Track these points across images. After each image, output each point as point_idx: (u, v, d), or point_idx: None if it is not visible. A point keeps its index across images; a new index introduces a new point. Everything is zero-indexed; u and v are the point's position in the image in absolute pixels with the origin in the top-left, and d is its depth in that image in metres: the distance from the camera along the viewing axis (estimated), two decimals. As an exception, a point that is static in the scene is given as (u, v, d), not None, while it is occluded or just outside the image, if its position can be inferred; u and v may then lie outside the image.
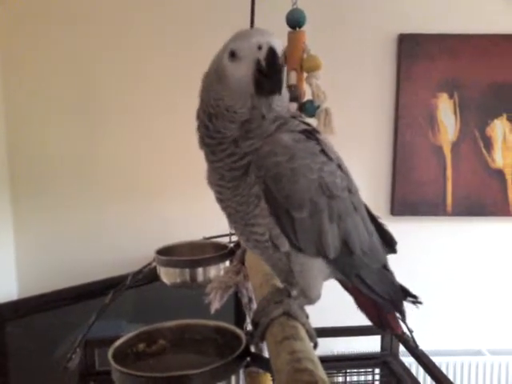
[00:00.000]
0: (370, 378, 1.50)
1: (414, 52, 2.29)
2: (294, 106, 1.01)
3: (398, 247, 0.84)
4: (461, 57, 2.30)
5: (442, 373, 1.23)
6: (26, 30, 2.23)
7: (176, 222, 2.32)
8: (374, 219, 0.82)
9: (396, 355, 1.48)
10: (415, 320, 1.02)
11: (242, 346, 0.85)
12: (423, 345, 1.32)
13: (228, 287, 1.05)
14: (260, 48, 0.64)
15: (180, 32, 2.27)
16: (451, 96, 2.33)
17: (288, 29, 1.09)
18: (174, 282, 1.28)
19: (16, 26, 2.23)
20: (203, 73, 0.73)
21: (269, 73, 0.64)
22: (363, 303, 0.83)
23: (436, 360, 1.32)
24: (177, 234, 1.53)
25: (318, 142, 0.70)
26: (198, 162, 0.78)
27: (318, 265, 0.72)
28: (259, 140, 0.67)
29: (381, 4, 2.31)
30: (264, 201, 0.67)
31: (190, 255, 1.36)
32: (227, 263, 1.29)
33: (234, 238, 1.37)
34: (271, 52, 0.64)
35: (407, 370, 1.41)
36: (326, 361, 1.46)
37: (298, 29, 1.08)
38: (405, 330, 1.15)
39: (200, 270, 1.27)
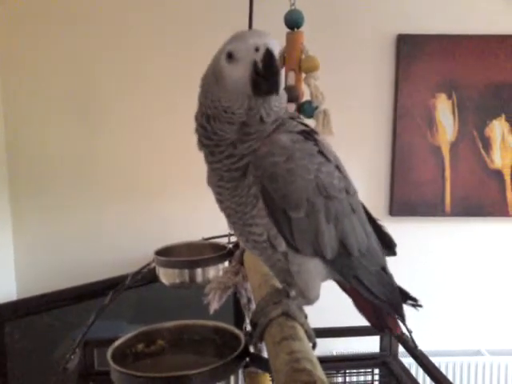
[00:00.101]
0: (369, 378, 1.50)
1: (413, 52, 2.29)
2: (292, 106, 1.02)
3: (397, 247, 0.85)
4: (459, 57, 2.30)
5: (441, 373, 1.23)
6: (25, 30, 2.24)
7: (175, 223, 2.32)
8: (373, 221, 0.82)
9: (395, 356, 1.48)
10: (414, 320, 1.02)
11: (241, 347, 0.85)
12: (422, 345, 1.32)
13: (227, 288, 1.05)
14: (257, 50, 0.64)
15: (180, 32, 2.27)
16: (450, 96, 2.33)
17: (286, 29, 1.09)
18: (173, 283, 1.28)
19: (16, 26, 2.23)
20: (203, 73, 0.73)
21: (266, 74, 0.64)
22: (362, 305, 0.84)
23: (435, 360, 1.33)
24: (176, 235, 1.54)
25: (316, 142, 0.71)
26: (197, 163, 0.78)
27: (315, 265, 0.72)
28: (257, 141, 0.67)
29: (379, 4, 2.31)
30: (262, 201, 0.67)
31: (189, 256, 1.36)
32: (226, 264, 1.29)
33: (233, 239, 1.37)
34: (268, 54, 0.64)
35: (406, 371, 1.41)
36: (326, 361, 1.46)
37: (296, 29, 1.08)
38: (404, 330, 1.15)
39: (199, 271, 1.27)
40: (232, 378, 0.85)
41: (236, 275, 1.07)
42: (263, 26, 0.82)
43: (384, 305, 0.79)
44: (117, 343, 0.90)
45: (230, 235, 1.39)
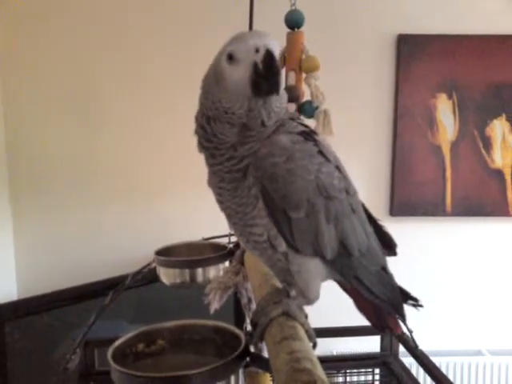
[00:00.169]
0: (369, 378, 1.50)
1: (413, 52, 2.29)
2: (292, 106, 1.02)
3: (397, 247, 0.85)
4: (460, 57, 2.30)
5: (441, 373, 1.23)
6: (25, 30, 2.24)
7: (175, 223, 2.32)
8: (373, 221, 0.82)
9: (396, 355, 1.48)
10: (415, 320, 1.02)
11: (242, 346, 0.85)
12: (423, 345, 1.32)
13: (227, 288, 1.05)
14: (257, 51, 0.64)
15: (180, 32, 2.27)
16: (450, 96, 2.33)
17: (287, 29, 1.09)
18: (174, 283, 1.28)
19: (16, 26, 2.23)
20: (203, 73, 0.73)
21: (266, 75, 0.64)
22: (362, 305, 0.84)
23: (436, 360, 1.32)
24: (176, 235, 1.54)
25: (316, 143, 0.71)
26: (197, 163, 0.78)
27: (315, 265, 0.72)
28: (257, 142, 0.68)
29: (380, 4, 2.31)
30: (262, 201, 0.68)
31: (190, 256, 1.36)
32: (226, 264, 1.29)
33: (234, 239, 1.37)
34: (268, 54, 0.64)
35: (407, 371, 1.41)
36: (326, 361, 1.46)
37: (296, 29, 1.08)
38: (404, 330, 1.15)
39: (199, 271, 1.27)
40: (232, 378, 0.85)
41: (236, 275, 1.08)
42: (263, 26, 0.82)
43: (384, 305, 0.79)
44: (117, 343, 0.90)
45: (231, 235, 1.39)
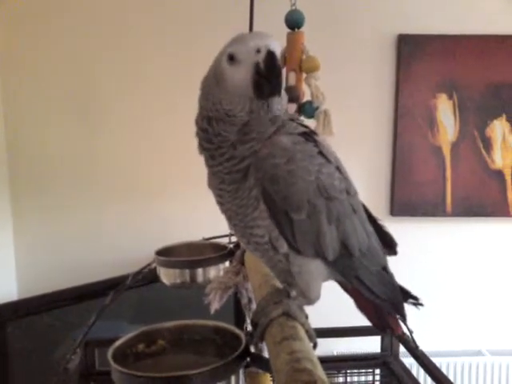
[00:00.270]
0: (370, 378, 1.50)
1: (414, 53, 2.29)
2: (292, 107, 1.01)
3: (398, 248, 0.85)
4: (460, 57, 2.30)
5: (442, 373, 1.23)
6: (25, 30, 2.24)
7: (175, 223, 2.32)
8: (373, 221, 0.82)
9: (396, 356, 1.48)
10: (415, 321, 1.02)
11: (242, 347, 0.85)
12: (423, 345, 1.32)
13: (227, 288, 1.05)
14: (259, 51, 0.64)
15: (180, 32, 2.27)
16: (450, 97, 2.33)
17: (287, 30, 1.09)
18: (174, 283, 1.28)
19: (16, 26, 2.23)
20: (203, 73, 0.73)
21: (268, 76, 0.64)
22: (363, 305, 0.84)
23: (436, 360, 1.32)
24: (176, 235, 1.54)
25: (316, 143, 0.71)
26: (198, 163, 0.78)
27: (316, 266, 0.72)
28: (258, 143, 0.67)
29: (380, 5, 2.31)
30: (263, 203, 0.67)
31: (190, 256, 1.36)
32: (227, 264, 1.29)
33: (234, 239, 1.37)
34: (270, 55, 0.64)
35: (407, 371, 1.41)
36: (327, 361, 1.46)
37: (296, 30, 1.08)
38: (405, 330, 1.15)
39: (200, 271, 1.27)
40: (233, 378, 0.85)
41: (237, 275, 1.08)
42: (264, 27, 0.82)
43: (385, 304, 0.79)
44: (117, 343, 0.90)
45: (231, 235, 1.39)
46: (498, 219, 2.41)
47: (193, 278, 1.26)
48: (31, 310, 1.84)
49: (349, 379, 1.49)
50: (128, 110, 2.31)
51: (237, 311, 1.96)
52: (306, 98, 1.07)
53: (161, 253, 1.33)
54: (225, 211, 0.74)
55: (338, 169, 0.73)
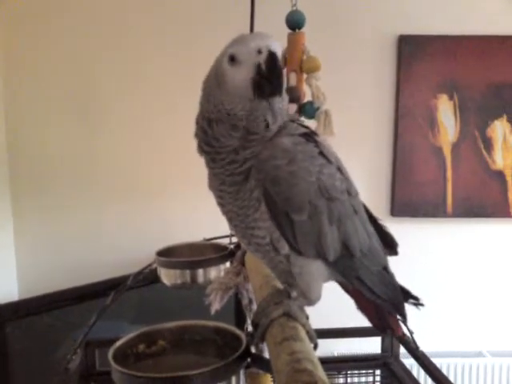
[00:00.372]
0: (370, 379, 1.49)
1: (414, 53, 2.29)
2: (293, 107, 1.01)
3: (398, 248, 0.84)
4: (461, 58, 2.30)
5: (442, 374, 1.22)
6: (25, 30, 2.24)
7: (176, 223, 2.32)
8: (374, 221, 0.82)
9: (397, 357, 1.48)
10: (416, 321, 1.02)
11: (243, 347, 0.85)
12: (424, 346, 1.32)
13: (228, 288, 1.05)
14: (260, 52, 0.64)
15: (180, 32, 2.27)
16: (451, 97, 2.33)
17: (288, 30, 1.09)
18: (175, 283, 1.28)
19: (16, 26, 2.23)
20: (203, 74, 0.73)
21: (269, 76, 0.64)
22: (364, 305, 0.84)
23: (437, 361, 1.32)
24: (177, 235, 1.53)
25: (317, 144, 0.71)
26: (198, 163, 0.78)
27: (317, 267, 0.72)
28: (259, 145, 0.67)
29: (381, 5, 2.31)
30: (264, 204, 0.67)
31: (191, 256, 1.36)
32: (227, 264, 1.29)
33: (235, 240, 1.37)
34: (271, 56, 0.64)
35: (408, 372, 1.41)
36: (327, 362, 1.46)
37: (297, 30, 1.08)
38: (405, 331, 1.15)
39: (200, 271, 1.27)
40: (233, 379, 0.85)
41: (237, 276, 1.07)
42: (264, 27, 0.82)
43: (386, 304, 0.79)
44: (118, 343, 0.90)
45: (232, 236, 1.39)
46: (498, 220, 2.40)
47: (193, 278, 1.26)
48: (31, 311, 1.84)
49: (349, 380, 1.49)
50: (128, 110, 2.31)
51: (237, 312, 1.96)
52: (307, 98, 1.07)
53: (161, 253, 1.33)
54: (226, 212, 0.74)
55: (339, 169, 0.73)
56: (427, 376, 1.27)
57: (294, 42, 1.05)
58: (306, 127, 0.74)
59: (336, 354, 2.23)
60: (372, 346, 1.54)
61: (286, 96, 0.72)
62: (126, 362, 0.89)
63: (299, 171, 0.66)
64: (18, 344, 1.81)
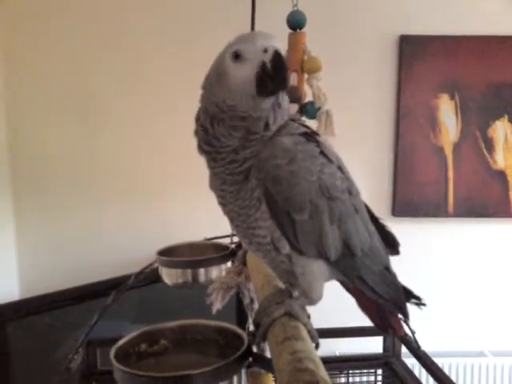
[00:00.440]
0: (372, 378, 1.49)
1: (415, 53, 2.29)
2: (294, 107, 1.01)
3: (400, 248, 0.84)
4: (462, 58, 2.30)
5: (444, 374, 1.22)
6: (25, 30, 2.24)
7: (176, 223, 2.32)
8: (375, 220, 0.82)
9: (398, 356, 1.48)
10: (417, 321, 1.02)
11: (244, 347, 0.85)
12: (425, 346, 1.32)
13: (230, 288, 1.05)
14: (266, 51, 0.64)
15: (180, 32, 2.27)
16: (452, 97, 2.33)
17: (289, 30, 1.09)
18: (176, 283, 1.28)
19: (16, 26, 2.23)
20: (203, 73, 0.72)
21: (274, 75, 0.64)
22: (365, 305, 0.84)
23: (438, 361, 1.32)
24: (177, 235, 1.53)
25: (318, 144, 0.71)
26: (198, 162, 0.78)
27: (319, 267, 0.72)
28: (259, 144, 0.67)
29: (382, 5, 2.31)
30: (265, 204, 0.67)
31: (192, 256, 1.36)
32: (229, 264, 1.29)
33: (236, 239, 1.37)
34: (277, 55, 0.64)
35: (409, 371, 1.41)
36: (329, 361, 1.46)
37: (298, 30, 1.08)
38: (407, 331, 1.15)
39: (202, 271, 1.27)
40: (235, 378, 0.85)
41: (239, 275, 1.07)
42: (265, 27, 0.82)
43: (388, 304, 0.79)
44: (120, 343, 0.90)
45: (233, 235, 1.39)
46: (499, 220, 2.40)
47: (195, 278, 1.26)
48: (32, 310, 1.84)
49: (351, 379, 1.49)
50: (128, 110, 2.31)
51: (239, 311, 1.96)
52: (308, 98, 1.07)
53: (163, 253, 1.33)
54: (227, 212, 0.74)
55: (340, 169, 0.73)
56: (429, 376, 1.27)
57: (294, 42, 1.05)
58: (307, 127, 0.74)
59: (338, 354, 2.23)
60: (374, 345, 1.54)
61: (286, 96, 0.72)
62: (128, 361, 0.89)
63: (300, 171, 0.66)
64: (18, 344, 1.81)
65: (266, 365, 0.86)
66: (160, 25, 2.28)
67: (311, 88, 1.03)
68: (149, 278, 1.35)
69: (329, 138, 0.97)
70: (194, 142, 0.73)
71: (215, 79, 0.68)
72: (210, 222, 1.57)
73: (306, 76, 1.04)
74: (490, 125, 2.34)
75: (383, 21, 2.32)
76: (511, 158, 2.36)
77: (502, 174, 2.36)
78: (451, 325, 2.47)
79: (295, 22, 1.07)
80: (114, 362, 0.83)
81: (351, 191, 0.74)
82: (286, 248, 0.70)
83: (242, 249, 1.15)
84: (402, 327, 0.87)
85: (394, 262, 0.83)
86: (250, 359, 0.86)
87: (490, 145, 2.35)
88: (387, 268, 0.80)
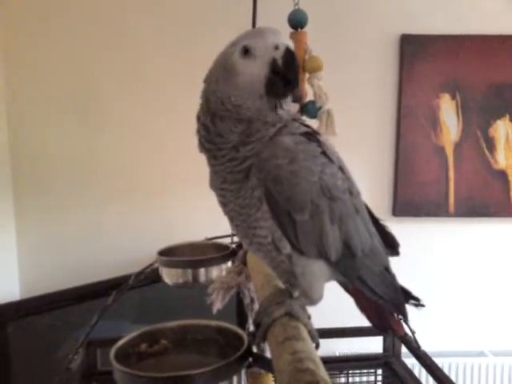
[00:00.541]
0: (372, 378, 1.49)
1: (417, 53, 2.29)
2: (295, 107, 1.01)
3: (400, 248, 0.84)
4: (463, 57, 2.29)
5: (444, 374, 1.22)
6: (26, 30, 2.24)
7: (177, 223, 2.32)
8: (376, 221, 0.81)
9: (398, 356, 1.48)
10: (417, 321, 1.02)
11: (244, 347, 0.85)
12: (425, 346, 1.32)
13: (230, 288, 1.05)
14: (277, 48, 0.63)
15: (180, 32, 2.27)
16: (453, 97, 2.33)
17: (290, 29, 1.09)
18: (176, 283, 1.28)
19: (16, 26, 2.23)
20: (203, 73, 0.72)
21: (285, 73, 0.63)
22: (364, 305, 0.83)
23: (438, 361, 1.32)
24: (178, 235, 1.53)
25: (319, 144, 0.70)
26: (198, 162, 0.78)
27: (319, 267, 0.71)
28: (260, 143, 0.67)
29: (383, 5, 2.31)
30: (266, 203, 0.67)
31: (192, 256, 1.36)
32: (229, 264, 1.29)
33: (236, 239, 1.37)
34: (289, 52, 0.63)
35: (409, 371, 1.41)
36: (329, 362, 1.46)
37: (299, 29, 1.08)
38: (407, 331, 1.14)
39: (202, 271, 1.27)
40: (235, 378, 0.85)
41: (239, 275, 1.07)
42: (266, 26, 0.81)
43: (387, 304, 0.79)
44: (120, 343, 0.90)
45: (233, 235, 1.39)
46: (501, 219, 2.40)
47: (195, 277, 1.26)
48: (32, 310, 1.84)
49: (351, 379, 1.49)
50: (128, 110, 2.31)
51: (239, 311, 1.96)
52: (309, 97, 1.07)
53: (163, 253, 1.33)
54: (227, 212, 0.73)
55: (341, 169, 0.72)
56: (429, 375, 1.27)
57: (296, 42, 1.05)
58: (308, 126, 0.73)
59: (338, 354, 2.23)
60: (374, 345, 1.54)
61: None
62: (128, 361, 0.89)
63: (301, 170, 0.66)
64: (19, 344, 1.81)
65: (266, 365, 0.85)
66: (160, 25, 2.28)
67: (312, 87, 1.02)
68: (149, 277, 1.35)
69: (330, 137, 0.97)
70: (194, 142, 0.73)
71: (222, 74, 0.67)
72: (210, 221, 1.57)
73: (307, 75, 1.04)
74: (491, 124, 2.34)
75: (384, 20, 2.32)
76: (512, 157, 2.36)
77: (503, 174, 2.36)
78: (451, 325, 2.47)
79: (296, 21, 1.07)
80: (114, 362, 0.83)
81: (352, 191, 0.74)
82: (287, 248, 0.69)
83: (243, 248, 1.15)
84: (401, 327, 0.87)
85: (395, 261, 0.83)
86: (250, 359, 0.86)
87: (491, 144, 2.35)
88: (387, 269, 0.79)
